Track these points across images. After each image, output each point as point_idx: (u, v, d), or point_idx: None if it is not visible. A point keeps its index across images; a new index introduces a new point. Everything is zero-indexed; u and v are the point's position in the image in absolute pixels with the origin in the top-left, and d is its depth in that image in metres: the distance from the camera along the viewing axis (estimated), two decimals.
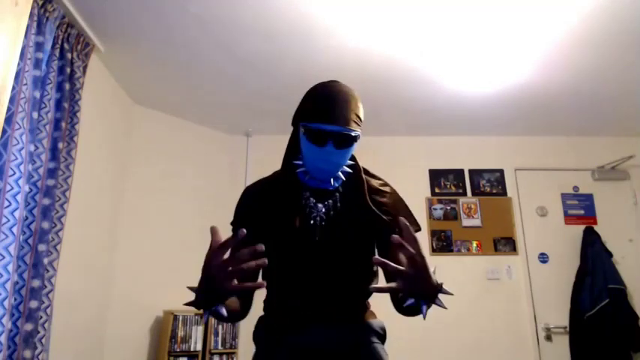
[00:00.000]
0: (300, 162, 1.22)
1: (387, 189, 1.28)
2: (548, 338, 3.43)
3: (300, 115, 1.18)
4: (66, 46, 2.33)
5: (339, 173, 1.21)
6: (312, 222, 1.19)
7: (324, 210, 1.21)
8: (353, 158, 1.26)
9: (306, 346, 1.15)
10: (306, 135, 1.14)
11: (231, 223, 1.28)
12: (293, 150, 1.24)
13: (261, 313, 1.30)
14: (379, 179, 1.31)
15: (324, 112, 1.11)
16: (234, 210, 1.29)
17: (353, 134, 1.13)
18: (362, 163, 1.29)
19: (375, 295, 1.27)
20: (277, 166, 1.31)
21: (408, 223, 0.89)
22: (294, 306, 1.20)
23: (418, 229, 1.24)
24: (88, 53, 2.53)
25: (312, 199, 1.21)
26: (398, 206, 1.26)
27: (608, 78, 2.97)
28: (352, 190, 1.23)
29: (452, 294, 0.95)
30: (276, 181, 1.27)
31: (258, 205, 1.24)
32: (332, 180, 1.21)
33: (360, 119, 1.16)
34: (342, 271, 1.20)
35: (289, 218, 1.20)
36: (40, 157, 2.10)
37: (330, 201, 1.21)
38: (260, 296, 1.25)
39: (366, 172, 1.28)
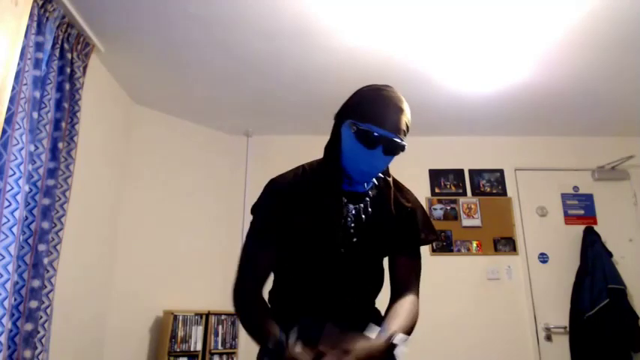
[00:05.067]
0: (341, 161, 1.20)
1: (410, 197, 1.31)
2: (548, 338, 3.43)
3: (350, 111, 1.15)
4: (66, 46, 2.33)
5: (374, 179, 1.23)
6: (342, 221, 1.21)
7: (354, 212, 1.22)
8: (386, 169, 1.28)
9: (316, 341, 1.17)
10: (356, 134, 1.12)
11: (254, 210, 1.26)
12: (334, 148, 1.22)
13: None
14: (404, 188, 1.33)
15: (381, 115, 1.10)
16: (260, 200, 1.25)
17: (402, 145, 1.12)
18: None
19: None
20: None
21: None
22: (310, 302, 1.23)
23: (435, 238, 1.31)
24: (88, 53, 2.53)
25: (344, 198, 1.22)
26: (418, 214, 1.29)
27: (608, 78, 2.97)
28: (380, 196, 1.25)
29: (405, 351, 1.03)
30: (310, 177, 1.25)
31: (288, 197, 1.21)
32: (365, 183, 1.23)
33: (408, 130, 1.16)
34: (361, 273, 1.24)
35: (322, 217, 1.20)
36: (40, 157, 2.10)
37: (362, 204, 1.23)
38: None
39: (395, 181, 1.31)
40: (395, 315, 1.14)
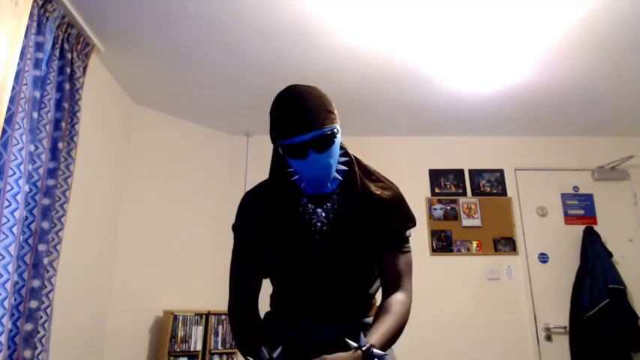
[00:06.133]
0: (293, 170, 1.18)
1: (382, 184, 1.24)
2: (548, 338, 3.43)
3: (271, 135, 1.13)
4: (66, 46, 2.33)
5: (336, 174, 1.17)
6: (312, 228, 1.18)
7: (324, 214, 1.19)
8: (346, 153, 1.21)
9: (307, 342, 1.17)
10: (286, 153, 1.10)
11: (233, 228, 1.29)
12: (280, 163, 1.21)
13: (268, 308, 1.34)
14: (374, 173, 1.26)
15: (290, 125, 1.06)
16: (236, 215, 1.29)
17: (328, 132, 1.08)
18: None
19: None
20: None
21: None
22: (299, 309, 1.23)
23: (412, 225, 1.23)
24: (88, 53, 2.53)
25: (310, 205, 1.20)
26: (394, 201, 1.22)
27: (608, 78, 2.97)
28: (348, 190, 1.20)
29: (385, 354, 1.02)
30: (273, 188, 1.25)
31: (258, 211, 1.23)
32: (329, 183, 1.18)
33: (331, 112, 1.10)
34: (345, 274, 1.21)
35: (290, 226, 1.19)
36: (40, 157, 2.10)
37: (329, 204, 1.19)
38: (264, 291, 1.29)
39: (361, 167, 1.24)
40: (378, 324, 1.09)
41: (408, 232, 1.23)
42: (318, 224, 1.19)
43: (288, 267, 1.23)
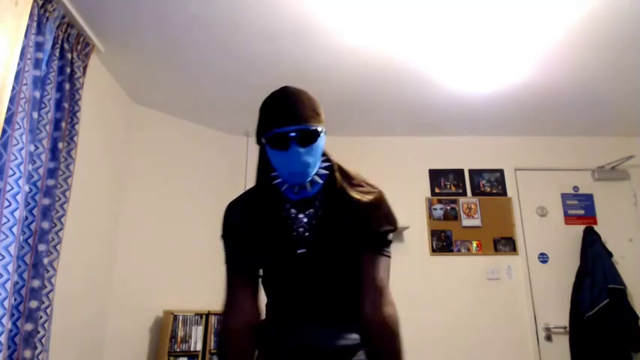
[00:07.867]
0: (275, 174, 1.21)
1: (362, 189, 1.23)
2: (548, 338, 3.43)
3: (258, 130, 1.17)
4: (66, 46, 2.33)
5: (317, 178, 1.19)
6: (295, 234, 1.19)
7: (305, 220, 1.20)
8: (328, 160, 1.23)
9: (302, 346, 1.17)
10: (269, 144, 1.13)
11: (221, 239, 1.30)
12: (264, 167, 1.23)
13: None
14: (355, 178, 1.26)
15: (278, 115, 1.11)
16: (222, 225, 1.30)
17: (312, 128, 1.12)
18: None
19: None
20: None
21: None
22: (289, 314, 1.23)
23: (393, 228, 1.22)
24: (88, 53, 2.53)
25: (292, 210, 1.21)
26: (372, 205, 1.21)
27: (608, 78, 2.97)
28: (330, 195, 1.21)
29: None
30: (256, 195, 1.26)
31: (242, 219, 1.24)
32: (309, 186, 1.19)
33: (318, 114, 1.15)
34: (331, 278, 1.20)
35: (273, 232, 1.20)
36: (40, 157, 2.10)
37: (312, 210, 1.20)
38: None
39: (342, 172, 1.25)
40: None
41: (389, 236, 1.23)
42: (300, 229, 1.19)
43: (273, 272, 1.23)
